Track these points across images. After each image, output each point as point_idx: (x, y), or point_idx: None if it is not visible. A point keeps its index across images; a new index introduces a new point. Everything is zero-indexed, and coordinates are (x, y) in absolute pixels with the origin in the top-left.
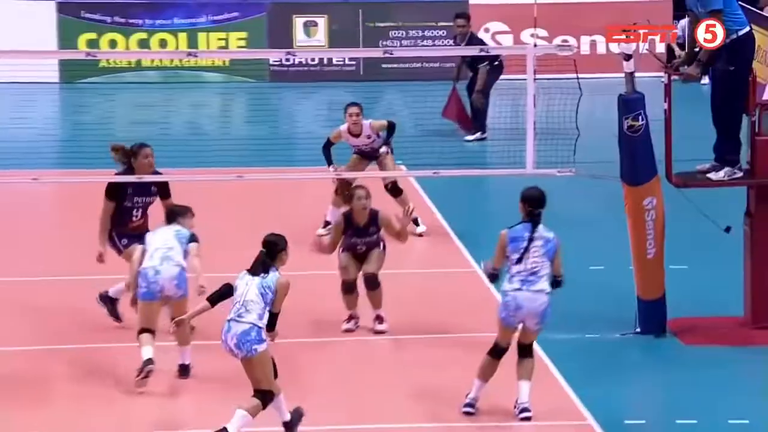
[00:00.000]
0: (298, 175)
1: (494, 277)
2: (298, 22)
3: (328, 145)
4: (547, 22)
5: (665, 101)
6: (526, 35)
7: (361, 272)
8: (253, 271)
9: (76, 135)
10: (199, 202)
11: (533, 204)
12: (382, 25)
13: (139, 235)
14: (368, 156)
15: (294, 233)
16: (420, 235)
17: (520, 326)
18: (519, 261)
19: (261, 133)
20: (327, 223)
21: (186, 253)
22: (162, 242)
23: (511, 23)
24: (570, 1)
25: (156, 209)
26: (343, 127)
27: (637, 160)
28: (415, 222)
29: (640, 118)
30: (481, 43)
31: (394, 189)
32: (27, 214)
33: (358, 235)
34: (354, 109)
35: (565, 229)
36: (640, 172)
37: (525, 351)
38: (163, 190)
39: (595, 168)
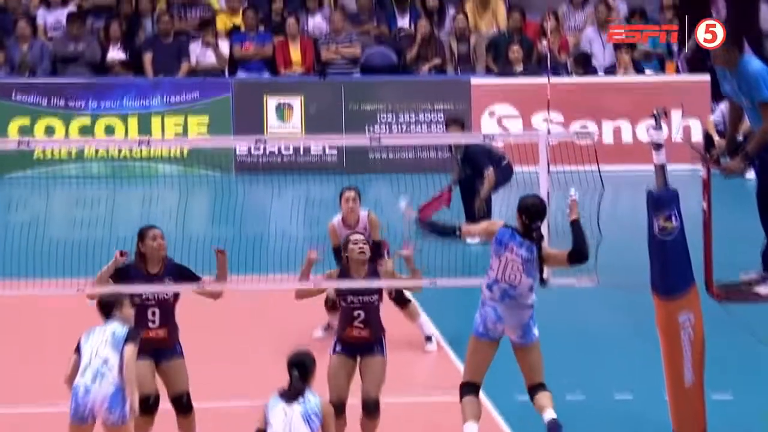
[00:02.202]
0: (270, 285)
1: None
2: (270, 103)
3: (337, 252)
4: (563, 104)
5: (703, 198)
6: (538, 120)
7: (361, 395)
8: (291, 398)
9: (4, 238)
10: None
11: (529, 215)
12: (368, 107)
13: (158, 353)
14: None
15: (267, 351)
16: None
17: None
18: (501, 273)
19: (225, 234)
20: (329, 325)
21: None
22: (96, 352)
23: (521, 106)
24: (589, 80)
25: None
26: (337, 218)
27: (670, 268)
28: (428, 338)
29: (673, 218)
30: (482, 151)
31: (399, 299)
32: None
33: (355, 291)
34: (350, 194)
35: (586, 348)
36: (674, 282)
37: (538, 388)
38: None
39: (621, 277)
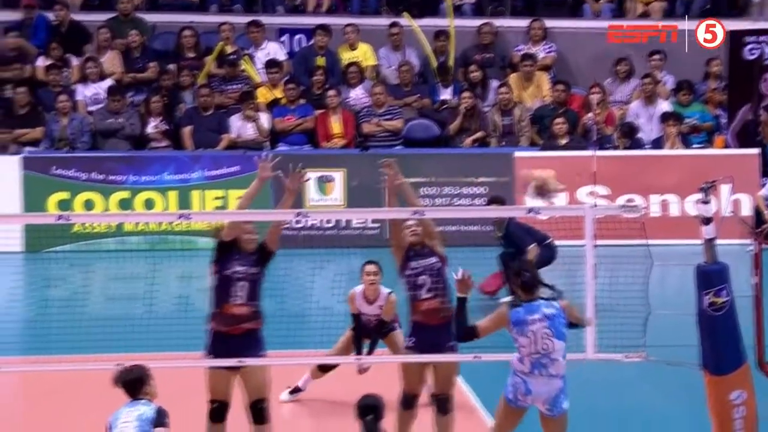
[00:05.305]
0: (311, 359)
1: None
2: (311, 177)
3: (355, 318)
4: (609, 178)
5: (754, 274)
6: (583, 194)
7: (431, 390)
8: None
9: (43, 315)
10: (190, 393)
11: (520, 272)
12: (410, 180)
13: (239, 341)
14: (368, 332)
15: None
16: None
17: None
18: (534, 347)
19: (266, 310)
20: (296, 389)
21: None
22: None
23: (566, 179)
24: (636, 153)
25: None
26: (359, 289)
27: (720, 345)
28: None
29: (723, 293)
30: (524, 231)
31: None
32: None
33: (417, 257)
34: (371, 267)
35: (634, 428)
36: (725, 360)
37: None
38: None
39: (670, 353)
